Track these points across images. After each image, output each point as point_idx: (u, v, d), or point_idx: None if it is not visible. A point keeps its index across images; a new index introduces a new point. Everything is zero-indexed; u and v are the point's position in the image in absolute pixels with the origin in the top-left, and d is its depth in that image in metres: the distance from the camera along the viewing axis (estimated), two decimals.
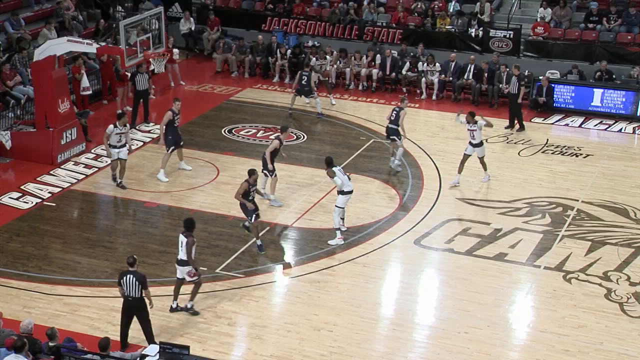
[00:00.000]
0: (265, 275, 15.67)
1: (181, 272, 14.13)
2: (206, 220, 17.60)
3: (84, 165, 20.24)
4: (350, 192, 16.76)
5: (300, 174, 19.85)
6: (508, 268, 15.98)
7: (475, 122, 18.93)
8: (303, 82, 23.52)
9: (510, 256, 16.36)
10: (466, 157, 19.26)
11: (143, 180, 19.53)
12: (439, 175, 19.94)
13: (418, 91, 25.59)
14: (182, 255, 14.05)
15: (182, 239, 14.04)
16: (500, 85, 24.22)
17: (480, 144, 19.12)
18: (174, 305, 14.29)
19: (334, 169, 16.73)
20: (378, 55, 26.09)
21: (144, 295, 12.96)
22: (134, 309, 13.03)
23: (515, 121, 22.95)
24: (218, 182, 19.52)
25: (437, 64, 25.30)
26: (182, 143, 19.61)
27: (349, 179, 16.97)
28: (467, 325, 14.10)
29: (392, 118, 20.03)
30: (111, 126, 18.58)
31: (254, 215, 16.16)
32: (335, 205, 16.82)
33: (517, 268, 16.00)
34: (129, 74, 23.65)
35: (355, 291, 15.15)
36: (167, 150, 19.33)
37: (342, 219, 17.03)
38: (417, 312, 14.71)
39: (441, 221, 17.76)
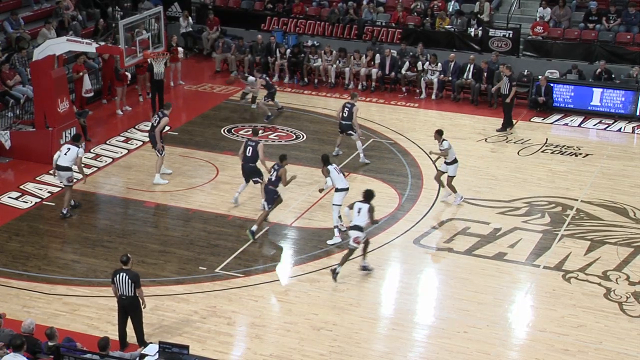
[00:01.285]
0: (265, 275, 15.66)
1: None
2: (205, 220, 17.60)
3: (83, 165, 20.12)
4: (345, 190, 16.80)
5: (299, 174, 19.79)
6: (507, 267, 15.98)
7: (442, 141, 18.01)
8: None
9: (509, 256, 16.36)
10: (440, 173, 18.65)
11: (143, 180, 19.53)
12: None
13: (417, 91, 25.58)
14: (357, 221, 15.07)
15: (361, 205, 15.12)
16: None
17: (452, 162, 18.13)
18: (338, 270, 15.27)
19: (329, 167, 16.81)
20: (377, 55, 26.07)
21: (137, 294, 12.96)
22: (128, 307, 13.02)
23: (510, 121, 22.92)
24: (217, 182, 19.51)
25: (439, 63, 25.30)
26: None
27: (344, 176, 17.04)
28: (466, 325, 14.10)
29: (345, 115, 20.10)
30: (81, 149, 17.74)
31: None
32: (333, 204, 16.85)
33: (517, 267, 16.00)
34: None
35: (355, 291, 15.15)
36: (161, 154, 19.23)
37: (340, 217, 17.05)
38: (417, 311, 14.70)
39: (441, 221, 17.77)
